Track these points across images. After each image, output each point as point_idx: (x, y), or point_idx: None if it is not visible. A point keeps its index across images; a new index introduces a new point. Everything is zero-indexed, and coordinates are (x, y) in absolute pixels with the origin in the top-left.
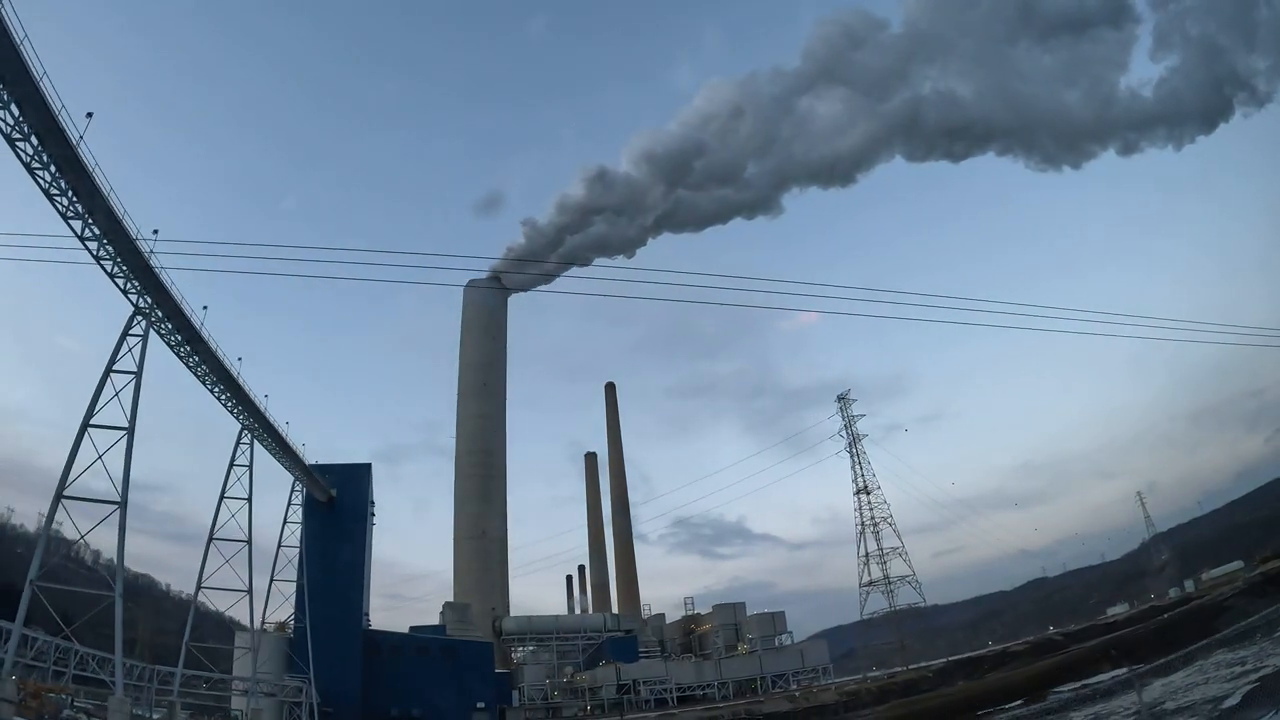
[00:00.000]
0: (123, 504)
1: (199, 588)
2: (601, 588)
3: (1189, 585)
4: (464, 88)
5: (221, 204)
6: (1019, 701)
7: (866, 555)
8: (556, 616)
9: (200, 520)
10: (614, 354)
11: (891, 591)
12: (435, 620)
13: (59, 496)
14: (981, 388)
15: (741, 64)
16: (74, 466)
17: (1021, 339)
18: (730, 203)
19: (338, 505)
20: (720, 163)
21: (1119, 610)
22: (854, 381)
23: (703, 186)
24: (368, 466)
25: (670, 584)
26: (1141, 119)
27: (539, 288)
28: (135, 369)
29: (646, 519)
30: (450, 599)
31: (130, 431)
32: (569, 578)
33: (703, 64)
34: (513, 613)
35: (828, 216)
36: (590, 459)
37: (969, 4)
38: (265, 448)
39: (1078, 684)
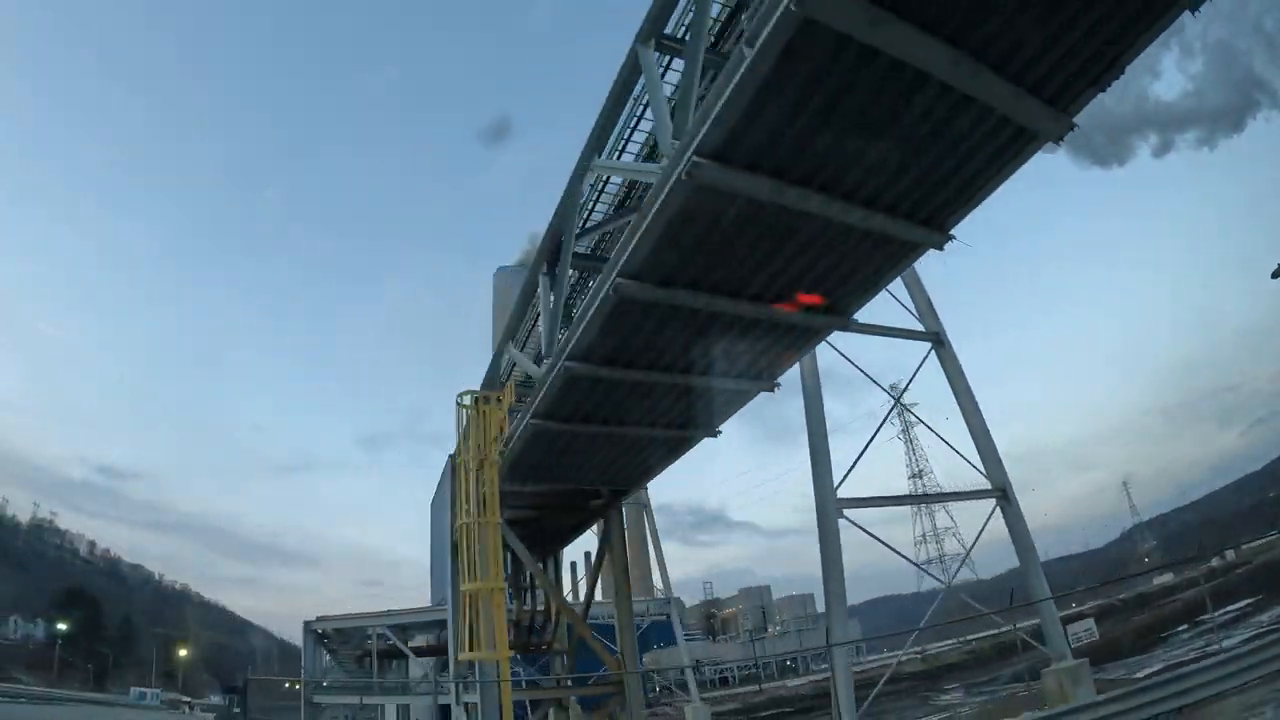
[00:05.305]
0: None
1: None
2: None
3: (1229, 554)
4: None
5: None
6: (1184, 626)
7: (923, 535)
8: (600, 602)
9: (179, 507)
10: None
11: (946, 568)
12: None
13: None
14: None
15: None
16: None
17: (1006, 335)
18: None
19: None
20: None
21: (1166, 579)
22: (837, 372)
23: None
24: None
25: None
26: (1173, 118)
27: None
28: None
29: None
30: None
31: None
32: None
33: None
34: None
35: None
36: None
37: None
38: None
39: (1220, 610)
